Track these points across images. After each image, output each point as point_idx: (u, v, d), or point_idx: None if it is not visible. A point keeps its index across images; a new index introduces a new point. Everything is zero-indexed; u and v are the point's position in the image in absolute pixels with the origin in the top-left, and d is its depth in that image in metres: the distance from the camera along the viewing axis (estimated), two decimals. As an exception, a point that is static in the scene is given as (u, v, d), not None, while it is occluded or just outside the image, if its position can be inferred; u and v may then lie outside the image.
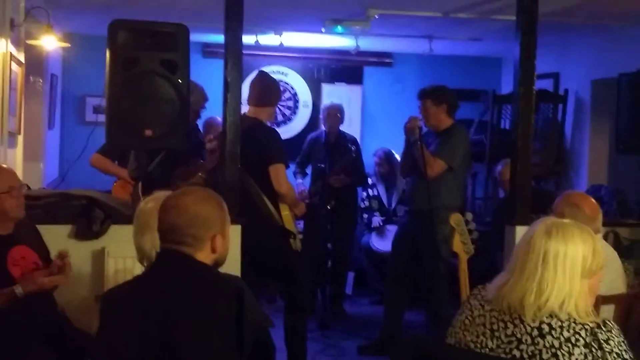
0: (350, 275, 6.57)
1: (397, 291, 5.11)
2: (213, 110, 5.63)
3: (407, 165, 5.01)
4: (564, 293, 2.01)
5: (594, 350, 1.97)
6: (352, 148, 6.21)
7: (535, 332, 2.01)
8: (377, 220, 6.60)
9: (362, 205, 6.74)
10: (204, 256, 2.15)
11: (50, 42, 4.94)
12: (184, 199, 2.17)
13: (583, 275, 2.05)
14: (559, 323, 2.00)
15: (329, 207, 5.88)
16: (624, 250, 4.52)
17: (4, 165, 3.42)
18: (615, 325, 2.04)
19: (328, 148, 6.21)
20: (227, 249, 2.23)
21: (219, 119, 5.50)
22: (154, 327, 2.03)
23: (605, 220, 3.53)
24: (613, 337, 1.99)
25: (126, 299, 2.14)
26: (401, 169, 5.30)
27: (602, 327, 2.00)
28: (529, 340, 2.01)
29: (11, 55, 4.40)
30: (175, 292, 2.08)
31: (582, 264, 2.05)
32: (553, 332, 2.00)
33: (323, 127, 6.49)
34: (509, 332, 2.05)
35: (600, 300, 2.93)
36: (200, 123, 5.64)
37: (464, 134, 5.01)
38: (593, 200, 3.35)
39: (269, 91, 4.54)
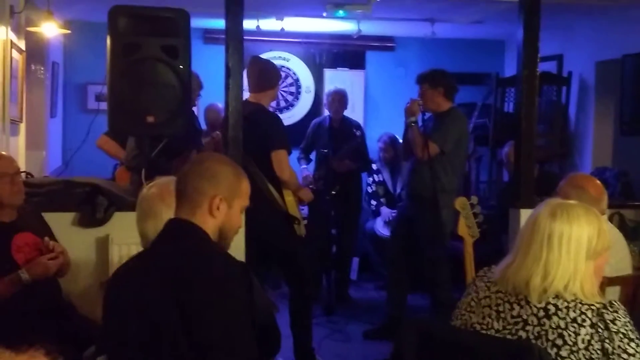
0: (355, 261, 6.57)
1: (398, 274, 5.16)
2: (215, 96, 5.61)
3: (408, 148, 5.03)
4: (568, 274, 2.01)
5: (600, 330, 1.96)
6: (357, 133, 6.20)
7: (542, 313, 2.01)
8: (387, 213, 6.57)
9: (369, 190, 6.73)
10: (201, 216, 2.08)
11: (50, 29, 4.92)
12: (205, 155, 2.25)
13: (588, 256, 2.04)
14: (565, 304, 2.00)
15: (333, 193, 5.87)
16: (629, 232, 4.51)
17: (1, 152, 3.41)
18: (622, 306, 2.03)
19: (332, 133, 6.19)
20: (232, 225, 2.15)
21: (220, 105, 5.49)
22: (164, 295, 1.98)
23: (610, 203, 3.52)
24: (619, 318, 1.98)
25: (132, 273, 2.11)
26: (403, 152, 5.32)
27: (609, 307, 1.99)
28: (535, 321, 2.01)
29: (12, 42, 4.39)
30: (186, 261, 2.02)
31: (587, 244, 2.04)
32: (559, 312, 1.99)
33: (327, 113, 6.47)
34: (514, 313, 2.05)
35: (606, 282, 2.92)
36: (196, 111, 5.62)
37: (459, 118, 5.03)
38: (598, 182, 3.34)
39: (266, 74, 4.52)
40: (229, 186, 2.13)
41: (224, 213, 2.11)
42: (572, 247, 2.03)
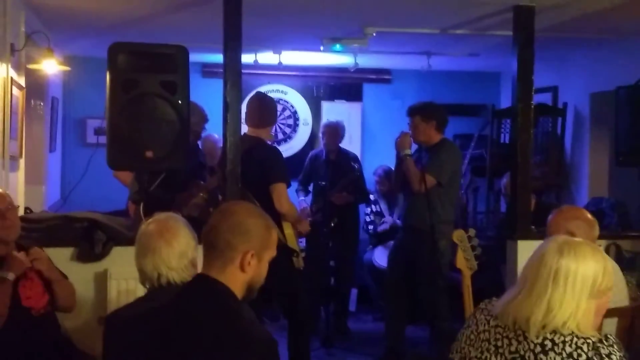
0: (354, 292, 6.57)
1: (396, 306, 5.15)
2: (213, 130, 5.65)
3: (400, 180, 5.05)
4: (569, 311, 2.00)
5: (596, 364, 1.97)
6: (356, 166, 6.21)
7: (538, 349, 2.01)
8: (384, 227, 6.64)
9: (367, 220, 6.76)
10: (232, 273, 2.04)
11: (50, 66, 4.97)
12: (235, 206, 2.17)
13: (591, 295, 2.04)
14: (562, 338, 2.00)
15: (332, 225, 5.89)
16: (626, 263, 4.52)
17: None
18: (617, 340, 2.04)
19: (329, 165, 6.22)
20: (260, 277, 2.12)
21: (216, 136, 5.51)
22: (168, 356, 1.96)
23: (606, 233, 3.54)
24: (615, 352, 1.99)
25: (141, 323, 2.08)
26: (394, 184, 5.33)
27: (604, 341, 2.00)
28: (532, 357, 2.01)
29: (12, 79, 4.43)
30: (201, 329, 1.95)
31: (592, 283, 2.04)
32: (555, 347, 1.99)
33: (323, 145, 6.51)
34: (512, 348, 2.05)
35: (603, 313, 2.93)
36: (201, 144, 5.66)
37: (453, 149, 5.07)
38: (585, 210, 3.37)
39: (269, 111, 4.60)
40: (261, 240, 2.09)
41: (255, 267, 2.08)
42: (577, 285, 2.02)
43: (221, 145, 4.36)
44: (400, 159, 4.94)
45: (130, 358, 2.05)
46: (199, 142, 5.43)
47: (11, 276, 3.07)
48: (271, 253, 2.14)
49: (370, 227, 6.74)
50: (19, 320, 3.10)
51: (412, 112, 5.00)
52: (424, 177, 4.71)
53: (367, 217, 6.77)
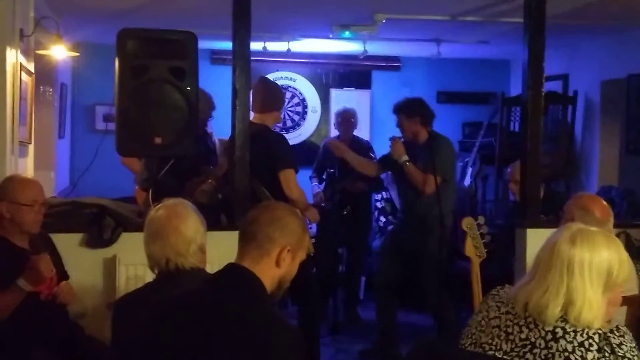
0: (362, 280, 6.57)
1: (386, 297, 5.18)
2: (221, 116, 5.64)
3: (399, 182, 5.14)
4: (581, 301, 1.98)
5: (606, 354, 1.95)
6: (372, 156, 6.19)
7: (549, 336, 2.00)
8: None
9: (379, 206, 6.76)
10: (266, 266, 2.06)
11: (59, 52, 4.97)
12: (276, 204, 2.25)
13: (606, 286, 2.01)
14: (573, 327, 1.99)
15: (345, 212, 5.89)
16: (636, 252, 4.49)
17: (33, 179, 3.41)
18: (628, 331, 2.02)
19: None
20: (291, 275, 2.14)
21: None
22: (187, 343, 1.95)
23: (616, 222, 3.51)
24: (625, 342, 1.98)
25: (164, 308, 2.07)
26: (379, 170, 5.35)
27: (615, 332, 1.99)
28: (543, 344, 2.00)
29: (21, 65, 4.42)
30: (231, 316, 1.96)
31: (607, 273, 2.01)
32: (567, 336, 1.98)
33: (336, 132, 6.48)
34: (523, 336, 2.04)
35: (613, 302, 2.92)
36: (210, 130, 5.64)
37: (448, 142, 5.09)
38: (604, 203, 3.34)
39: (273, 96, 4.57)
40: (298, 238, 2.13)
41: (288, 264, 2.10)
42: (593, 275, 1.99)
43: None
44: (399, 166, 4.94)
45: (149, 344, 2.03)
46: (207, 128, 5.41)
47: (27, 287, 3.06)
48: (303, 254, 2.17)
49: (382, 219, 6.73)
50: (26, 304, 3.10)
51: (396, 110, 5.02)
52: (434, 178, 4.70)
53: (378, 203, 6.78)
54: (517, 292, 2.08)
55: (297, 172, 4.42)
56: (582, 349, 1.97)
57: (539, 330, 2.02)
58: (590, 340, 1.97)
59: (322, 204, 5.71)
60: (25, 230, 3.25)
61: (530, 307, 2.03)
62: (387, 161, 5.15)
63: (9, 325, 3.06)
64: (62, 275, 3.40)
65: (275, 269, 2.08)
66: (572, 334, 1.98)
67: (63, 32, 4.95)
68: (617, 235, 4.51)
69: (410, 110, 4.95)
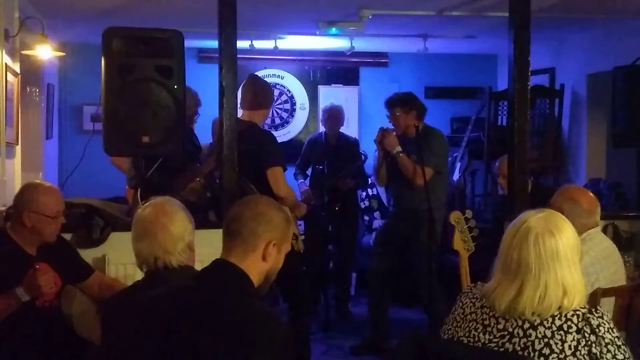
0: (353, 276, 6.58)
1: (378, 291, 5.20)
2: (209, 115, 5.63)
3: (384, 175, 5.11)
4: (572, 286, 2.00)
5: (586, 335, 1.97)
6: (361, 152, 6.21)
7: (527, 325, 2.01)
8: (379, 223, 6.62)
9: (363, 206, 6.75)
10: (252, 261, 2.07)
11: (45, 52, 4.95)
12: (259, 198, 2.24)
13: (575, 261, 2.03)
14: (551, 313, 2.00)
15: (337, 209, 5.91)
16: (624, 243, 4.53)
17: (54, 187, 3.33)
18: (605, 312, 2.05)
19: (328, 150, 6.21)
20: (277, 268, 2.16)
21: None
22: (176, 339, 1.95)
23: (604, 213, 3.54)
24: (604, 323, 2.00)
25: (150, 306, 2.08)
26: (378, 179, 5.30)
27: (594, 312, 2.01)
28: (521, 333, 2.02)
29: (6, 66, 4.41)
30: (219, 311, 1.97)
31: (578, 248, 2.05)
32: (545, 322, 2.00)
33: (323, 129, 6.49)
34: (500, 327, 2.06)
35: (601, 293, 2.94)
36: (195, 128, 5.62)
37: (441, 135, 5.14)
38: (591, 194, 3.36)
39: (262, 94, 4.57)
40: (282, 231, 2.14)
41: (274, 257, 2.12)
42: (575, 256, 2.03)
43: None
44: (387, 155, 4.93)
45: (137, 342, 2.03)
46: (193, 125, 5.40)
47: (25, 298, 3.02)
48: (288, 246, 2.19)
49: (366, 217, 6.74)
50: (22, 310, 3.07)
51: (391, 104, 5.04)
52: (422, 170, 4.71)
53: (362, 202, 6.78)
54: (490, 295, 2.07)
55: (285, 169, 4.42)
56: (562, 332, 1.98)
57: (516, 320, 2.03)
58: (569, 322, 1.98)
59: (312, 202, 5.72)
60: (43, 241, 3.21)
61: (527, 313, 2.00)
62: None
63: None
64: (83, 271, 3.41)
65: (262, 263, 2.10)
66: (550, 319, 2.00)
67: (48, 32, 4.93)
68: (605, 227, 4.56)
69: (406, 104, 4.99)
